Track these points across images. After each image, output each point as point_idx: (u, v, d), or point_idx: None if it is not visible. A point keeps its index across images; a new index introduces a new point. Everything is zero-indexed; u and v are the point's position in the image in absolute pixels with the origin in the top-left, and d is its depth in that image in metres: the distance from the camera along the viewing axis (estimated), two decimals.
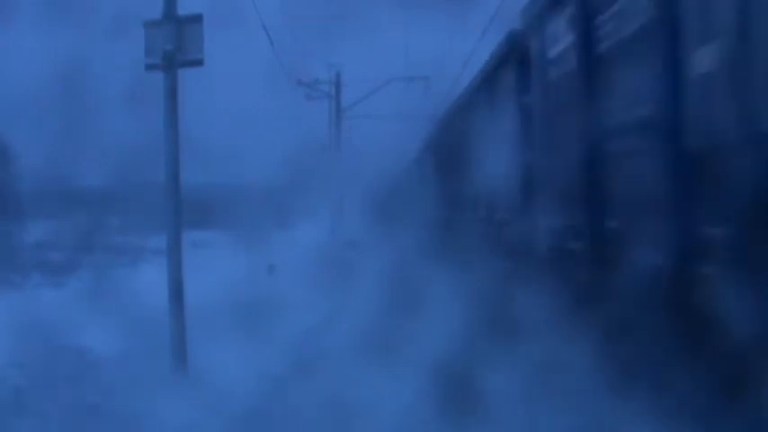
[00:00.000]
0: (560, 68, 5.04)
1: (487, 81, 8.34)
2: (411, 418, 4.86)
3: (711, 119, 2.95)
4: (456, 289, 7.72)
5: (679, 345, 3.10)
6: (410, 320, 7.05)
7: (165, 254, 6.93)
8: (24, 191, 17.72)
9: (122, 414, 5.41)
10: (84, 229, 18.62)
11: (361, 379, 5.47)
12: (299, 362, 6.93)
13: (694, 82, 3.04)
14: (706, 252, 2.94)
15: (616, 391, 3.59)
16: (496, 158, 7.25)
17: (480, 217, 8.73)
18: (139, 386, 5.97)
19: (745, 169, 2.64)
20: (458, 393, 4.99)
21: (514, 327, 5.17)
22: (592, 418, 3.72)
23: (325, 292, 10.51)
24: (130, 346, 6.98)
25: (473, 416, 4.63)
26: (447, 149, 11.95)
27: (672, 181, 3.21)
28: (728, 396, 2.72)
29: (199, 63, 6.82)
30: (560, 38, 4.99)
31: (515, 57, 6.72)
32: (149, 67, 6.87)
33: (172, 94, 6.77)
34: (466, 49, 12.78)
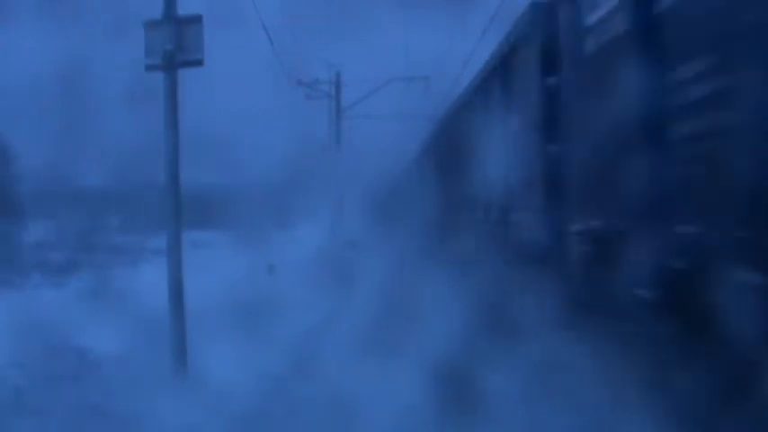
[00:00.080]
0: (602, 36, 4.23)
1: (502, 66, 7.29)
2: (411, 418, 4.86)
3: None
4: (456, 289, 7.72)
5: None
6: (410, 320, 7.05)
7: (164, 254, 6.93)
8: (24, 191, 17.71)
9: (122, 414, 5.41)
10: (84, 229, 18.62)
11: (360, 379, 5.47)
12: (299, 362, 6.93)
13: None
14: None
15: (616, 391, 3.59)
16: (511, 153, 6.48)
17: (491, 218, 8.08)
18: (139, 386, 5.97)
19: None
20: (457, 393, 4.99)
21: (515, 328, 5.17)
22: (592, 419, 3.72)
23: (325, 293, 10.51)
24: (130, 346, 6.98)
25: (472, 416, 4.63)
26: (451, 147, 11.73)
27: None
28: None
29: (199, 63, 6.82)
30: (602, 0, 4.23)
31: (539, 30, 5.81)
32: (149, 68, 6.86)
33: (172, 94, 6.77)
34: (466, 49, 12.77)
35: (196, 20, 6.77)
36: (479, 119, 8.52)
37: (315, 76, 22.88)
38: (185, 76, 6.92)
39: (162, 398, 5.68)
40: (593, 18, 4.42)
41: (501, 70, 7.39)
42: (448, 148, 12.11)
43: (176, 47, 6.68)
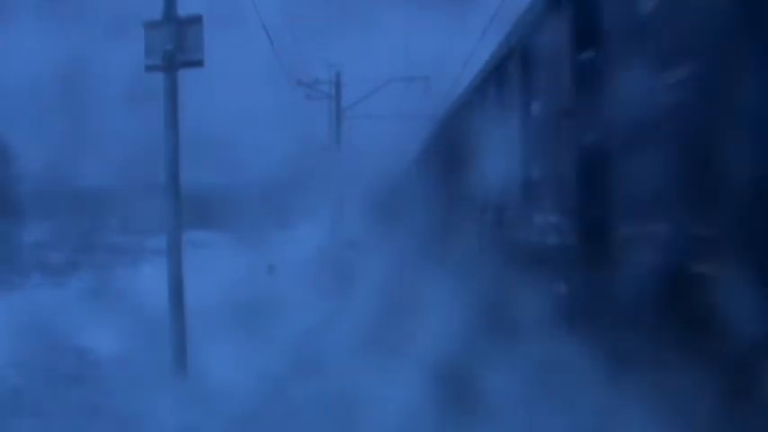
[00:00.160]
0: None
1: (524, 40, 6.13)
2: (410, 417, 4.86)
3: None
4: (456, 289, 7.72)
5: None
6: (410, 320, 7.05)
7: (164, 254, 6.93)
8: (24, 191, 17.71)
9: (122, 414, 5.41)
10: (84, 229, 18.63)
11: (360, 379, 5.47)
12: (299, 362, 6.93)
13: None
14: None
15: (616, 391, 3.59)
16: (531, 146, 5.68)
17: (499, 219, 7.31)
18: (139, 386, 5.97)
19: None
20: (457, 393, 4.99)
21: (515, 328, 5.17)
22: (592, 419, 3.72)
23: (325, 292, 10.51)
24: (130, 346, 6.98)
25: (472, 416, 4.63)
26: (454, 145, 11.51)
27: None
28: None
29: (199, 64, 6.82)
30: None
31: None
32: (149, 68, 6.87)
33: (172, 94, 6.78)
34: (466, 49, 12.77)
35: (196, 20, 6.78)
36: (491, 110, 7.69)
37: (315, 76, 22.93)
38: (185, 76, 6.93)
39: (162, 398, 5.68)
40: None
41: (520, 50, 6.22)
42: (450, 146, 12.08)
43: (176, 47, 6.69)
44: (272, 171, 19.27)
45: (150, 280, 8.01)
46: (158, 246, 8.53)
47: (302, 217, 23.40)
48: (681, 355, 3.09)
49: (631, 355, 3.61)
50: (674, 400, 3.12)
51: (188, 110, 7.30)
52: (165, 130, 6.81)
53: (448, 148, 12.23)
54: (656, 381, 3.32)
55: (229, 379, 5.97)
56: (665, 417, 3.15)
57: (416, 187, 17.10)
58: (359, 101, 22.69)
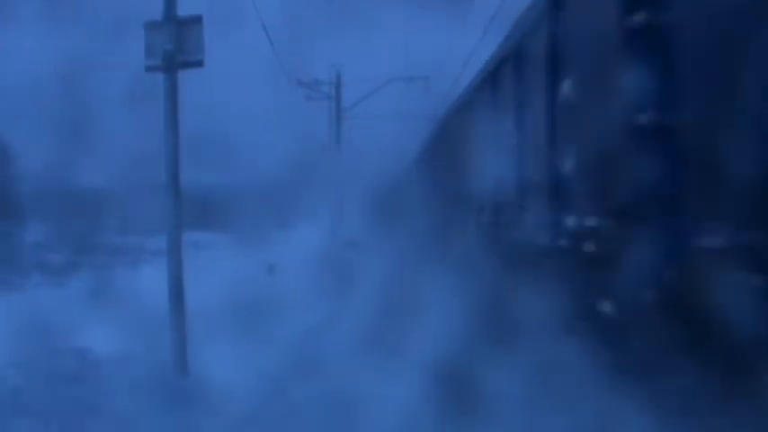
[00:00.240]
0: None
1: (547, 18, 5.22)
2: (410, 417, 4.86)
3: None
4: (456, 289, 7.72)
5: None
6: (410, 321, 7.05)
7: (164, 255, 6.94)
8: (24, 191, 17.73)
9: (122, 414, 5.41)
10: (84, 229, 18.63)
11: (360, 379, 5.47)
12: (299, 362, 6.94)
13: None
14: None
15: (616, 392, 3.59)
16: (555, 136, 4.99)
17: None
18: (140, 386, 5.97)
19: None
20: (457, 393, 4.99)
21: (515, 328, 5.17)
22: (592, 419, 3.72)
23: (325, 293, 10.51)
24: (130, 346, 6.98)
25: (471, 416, 4.63)
26: (456, 143, 11.40)
27: None
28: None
29: (199, 64, 6.82)
30: None
31: None
32: (149, 68, 6.87)
33: (172, 94, 6.78)
34: (466, 49, 12.78)
35: (196, 20, 6.78)
36: (505, 99, 7.13)
37: (315, 76, 22.94)
38: (185, 76, 6.93)
39: (162, 398, 5.68)
40: None
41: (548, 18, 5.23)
42: (451, 144, 12.06)
43: (176, 48, 6.69)
44: (272, 171, 19.29)
45: (150, 280, 8.02)
46: (158, 246, 8.54)
47: (302, 217, 23.40)
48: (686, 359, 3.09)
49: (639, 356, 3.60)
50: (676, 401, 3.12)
51: (188, 110, 7.30)
52: (165, 130, 6.81)
53: (448, 148, 12.23)
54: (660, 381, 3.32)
55: (230, 379, 5.97)
56: (666, 417, 3.15)
57: (416, 187, 17.10)
58: (359, 101, 22.70)
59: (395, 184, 23.98)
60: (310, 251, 16.80)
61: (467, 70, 11.91)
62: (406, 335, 6.43)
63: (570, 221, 4.76)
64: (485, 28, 10.79)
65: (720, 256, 2.75)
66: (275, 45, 16.25)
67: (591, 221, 4.32)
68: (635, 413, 3.32)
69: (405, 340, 6.28)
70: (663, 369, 3.27)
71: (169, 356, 6.63)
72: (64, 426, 5.42)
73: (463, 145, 9.83)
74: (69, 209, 18.27)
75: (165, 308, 6.76)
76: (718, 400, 2.79)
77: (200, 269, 7.90)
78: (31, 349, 7.13)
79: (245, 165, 18.86)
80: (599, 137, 4.31)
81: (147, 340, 6.96)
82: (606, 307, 3.89)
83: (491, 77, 7.91)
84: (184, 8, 6.84)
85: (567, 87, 5.02)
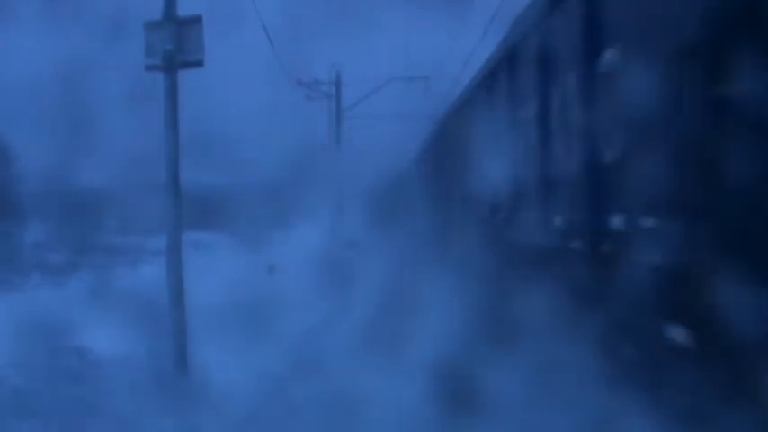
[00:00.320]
0: None
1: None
2: (410, 417, 4.87)
3: None
4: (456, 289, 7.72)
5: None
6: (410, 321, 7.06)
7: (164, 255, 6.94)
8: (24, 191, 17.72)
9: (122, 414, 5.41)
10: (84, 229, 18.62)
11: (360, 379, 5.48)
12: (299, 362, 6.94)
13: None
14: None
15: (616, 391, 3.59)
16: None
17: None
18: (140, 386, 5.98)
19: None
20: (456, 393, 4.99)
21: (514, 327, 5.17)
22: (591, 420, 3.73)
23: (325, 293, 10.51)
24: (131, 346, 6.98)
25: (471, 416, 4.63)
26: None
27: None
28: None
29: (199, 64, 6.82)
30: None
31: None
32: (149, 68, 6.87)
33: (172, 94, 6.77)
34: (466, 49, 12.77)
35: (196, 20, 6.77)
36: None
37: (315, 76, 22.92)
38: (185, 76, 6.93)
39: (162, 398, 5.68)
40: None
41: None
42: (452, 143, 12.05)
43: (176, 47, 6.69)
44: (272, 171, 19.29)
45: (150, 280, 8.02)
46: (158, 246, 8.53)
47: (302, 217, 23.39)
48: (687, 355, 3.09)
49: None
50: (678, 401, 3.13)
51: (188, 110, 7.30)
52: (165, 130, 6.80)
53: (448, 148, 12.22)
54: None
55: (230, 379, 5.97)
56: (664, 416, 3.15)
57: (416, 187, 17.10)
58: (359, 101, 22.69)
59: (395, 184, 23.99)
60: (310, 251, 16.80)
61: (467, 70, 11.91)
62: (406, 334, 6.43)
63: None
64: (485, 28, 10.80)
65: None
66: (275, 45, 16.25)
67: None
68: (634, 414, 3.33)
69: (404, 340, 6.28)
70: (666, 371, 3.28)
71: (169, 356, 6.63)
72: (64, 426, 5.42)
73: (463, 145, 9.82)
74: (69, 209, 18.27)
75: (166, 308, 6.76)
76: (720, 401, 2.79)
77: (200, 269, 7.90)
78: (31, 349, 7.13)
79: (245, 165, 18.87)
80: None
81: (148, 340, 6.97)
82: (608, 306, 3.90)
83: (490, 77, 7.99)
84: (184, 8, 6.84)
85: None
